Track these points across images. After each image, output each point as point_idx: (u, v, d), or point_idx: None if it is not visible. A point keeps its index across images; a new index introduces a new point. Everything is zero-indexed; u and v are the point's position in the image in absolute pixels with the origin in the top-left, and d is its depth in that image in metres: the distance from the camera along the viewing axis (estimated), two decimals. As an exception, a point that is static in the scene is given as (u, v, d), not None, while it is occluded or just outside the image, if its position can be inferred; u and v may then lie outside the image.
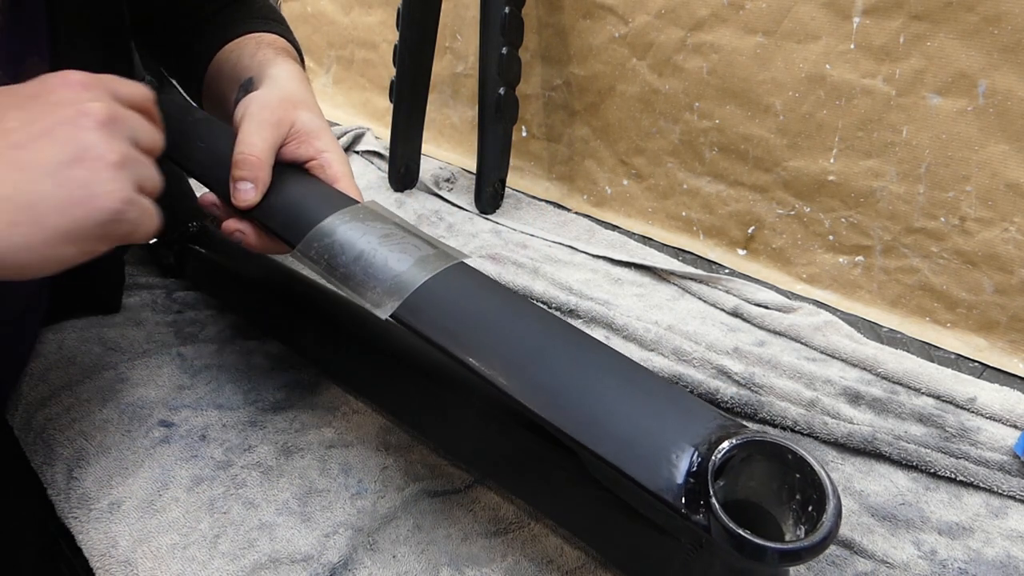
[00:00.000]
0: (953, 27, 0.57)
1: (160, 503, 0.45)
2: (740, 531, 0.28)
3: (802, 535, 0.29)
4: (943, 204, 0.62)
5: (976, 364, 0.61)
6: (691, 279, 0.70)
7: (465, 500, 0.46)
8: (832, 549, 0.44)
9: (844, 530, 0.44)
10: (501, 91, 0.78)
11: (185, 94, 0.62)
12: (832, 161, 0.67)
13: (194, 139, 0.50)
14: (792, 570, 0.39)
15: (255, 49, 0.54)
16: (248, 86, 0.50)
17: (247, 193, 0.43)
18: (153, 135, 0.38)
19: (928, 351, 0.63)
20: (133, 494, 0.45)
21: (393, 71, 0.87)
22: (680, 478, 0.30)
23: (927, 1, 0.57)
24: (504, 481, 0.46)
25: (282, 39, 0.58)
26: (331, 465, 0.48)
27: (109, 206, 0.33)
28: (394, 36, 0.86)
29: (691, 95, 0.74)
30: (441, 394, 0.47)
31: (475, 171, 0.84)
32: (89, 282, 0.59)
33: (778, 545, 0.28)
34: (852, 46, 0.62)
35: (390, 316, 0.37)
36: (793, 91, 0.66)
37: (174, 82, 0.65)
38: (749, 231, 0.75)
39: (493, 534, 0.44)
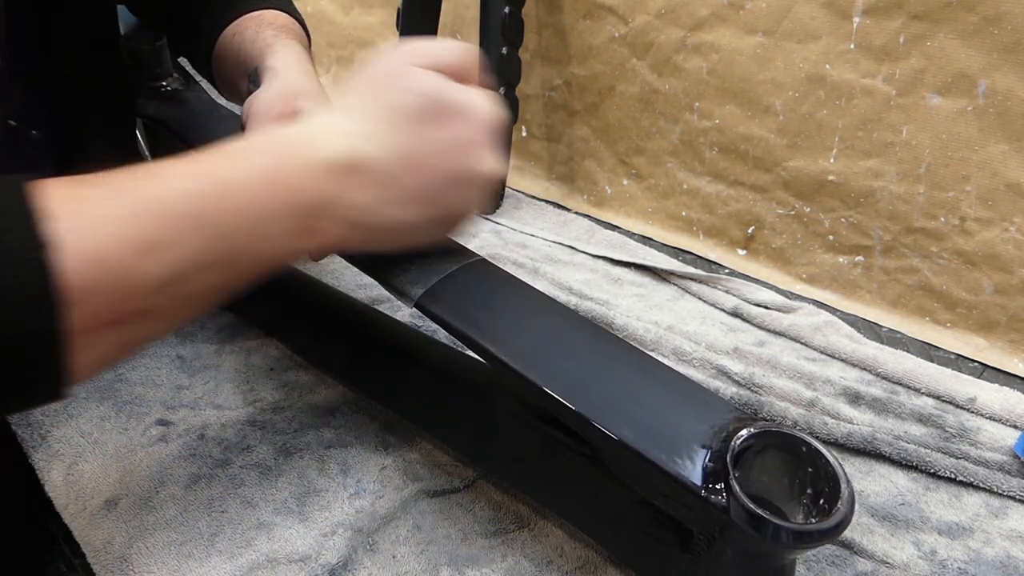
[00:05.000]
0: (953, 27, 0.57)
1: (157, 500, 0.45)
2: (759, 511, 0.29)
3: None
4: (943, 204, 0.62)
5: (976, 364, 0.61)
6: (691, 279, 0.70)
7: (465, 500, 0.46)
8: (832, 549, 0.44)
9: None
10: (501, 91, 0.78)
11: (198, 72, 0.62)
12: (832, 161, 0.66)
13: (222, 134, 0.51)
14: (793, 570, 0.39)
15: (256, 32, 0.53)
16: (254, 77, 0.49)
17: None
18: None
19: (928, 351, 0.63)
20: (130, 491, 0.45)
21: (393, 71, 0.87)
22: (700, 462, 0.31)
23: (927, 1, 0.57)
24: (511, 477, 0.46)
25: (283, 15, 0.56)
26: (330, 465, 0.48)
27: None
28: (394, 36, 0.86)
29: (691, 95, 0.74)
30: (448, 391, 0.47)
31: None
32: None
33: (795, 526, 0.29)
34: (852, 46, 0.62)
35: (414, 305, 0.38)
36: (793, 91, 0.66)
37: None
38: (749, 231, 0.75)
39: (493, 534, 0.44)
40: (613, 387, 0.35)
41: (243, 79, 0.51)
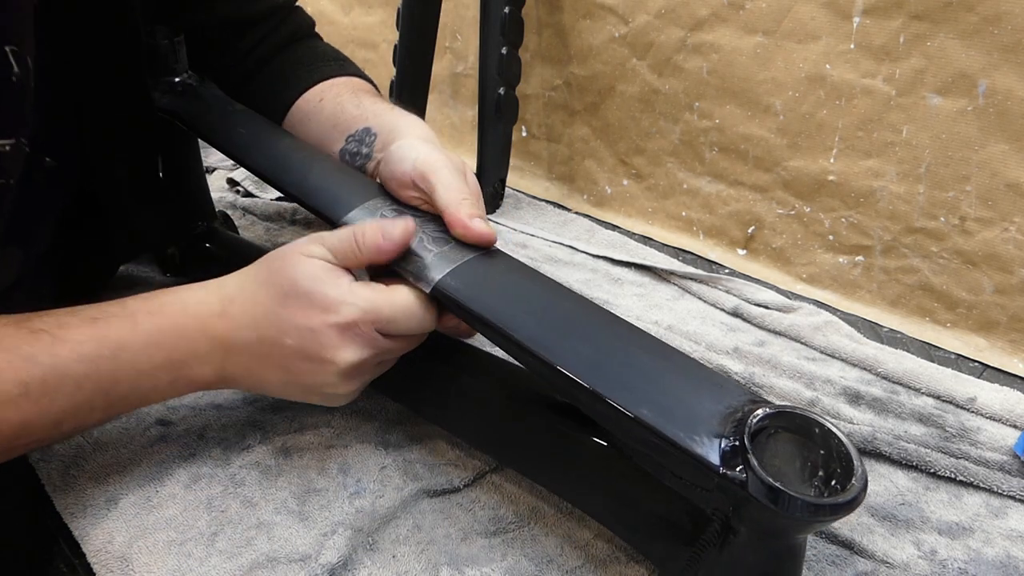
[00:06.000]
0: (953, 27, 0.57)
1: (157, 499, 0.45)
2: (776, 483, 0.30)
3: None
4: (943, 204, 0.62)
5: (976, 364, 0.61)
6: (691, 279, 0.70)
7: (465, 500, 0.46)
8: (832, 549, 0.44)
9: (844, 530, 0.44)
10: (501, 91, 0.78)
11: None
12: (832, 161, 0.66)
13: (236, 127, 0.54)
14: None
15: (352, 95, 0.55)
16: (364, 139, 0.52)
17: (484, 226, 0.43)
18: (396, 347, 0.42)
19: (928, 351, 0.63)
20: (130, 491, 0.45)
21: (393, 71, 0.87)
22: (717, 439, 0.32)
23: (927, 1, 0.57)
24: (524, 467, 0.46)
25: (365, 82, 0.59)
26: (330, 465, 0.48)
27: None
28: (394, 36, 0.86)
29: (691, 95, 0.74)
30: (459, 381, 0.47)
31: (475, 171, 0.84)
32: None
33: (810, 498, 0.30)
34: (852, 46, 0.62)
35: (431, 290, 0.40)
36: (793, 91, 0.66)
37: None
38: (749, 231, 0.75)
39: (493, 534, 0.44)
40: (629, 369, 0.36)
41: (337, 140, 0.53)
